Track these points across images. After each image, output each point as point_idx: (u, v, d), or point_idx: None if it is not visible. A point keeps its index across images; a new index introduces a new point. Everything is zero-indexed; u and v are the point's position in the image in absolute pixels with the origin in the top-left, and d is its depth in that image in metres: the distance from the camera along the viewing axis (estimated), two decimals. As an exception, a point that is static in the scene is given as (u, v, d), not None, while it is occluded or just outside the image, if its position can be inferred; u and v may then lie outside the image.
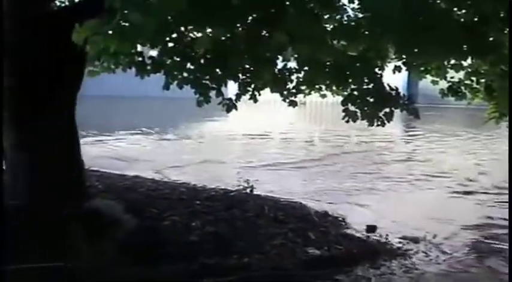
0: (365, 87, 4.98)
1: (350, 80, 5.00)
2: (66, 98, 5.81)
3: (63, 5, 6.99)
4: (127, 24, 3.21)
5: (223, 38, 4.62)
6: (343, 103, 5.03)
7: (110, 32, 3.23)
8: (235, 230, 5.96)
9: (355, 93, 5.01)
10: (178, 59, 4.28)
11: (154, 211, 6.30)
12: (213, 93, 5.11)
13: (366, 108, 4.95)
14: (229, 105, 5.42)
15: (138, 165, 10.73)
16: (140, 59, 4.76)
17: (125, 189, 7.58)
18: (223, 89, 5.19)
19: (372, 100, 4.95)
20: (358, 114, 5.00)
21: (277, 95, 5.83)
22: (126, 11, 3.19)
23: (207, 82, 4.71)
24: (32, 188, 5.70)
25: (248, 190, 7.52)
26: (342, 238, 6.19)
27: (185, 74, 4.60)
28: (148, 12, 3.11)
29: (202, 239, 5.63)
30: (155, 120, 19.35)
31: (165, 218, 6.09)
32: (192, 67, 4.50)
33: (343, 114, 5.04)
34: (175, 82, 4.62)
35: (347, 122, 5.10)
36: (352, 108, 5.04)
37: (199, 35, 4.43)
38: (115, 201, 6.14)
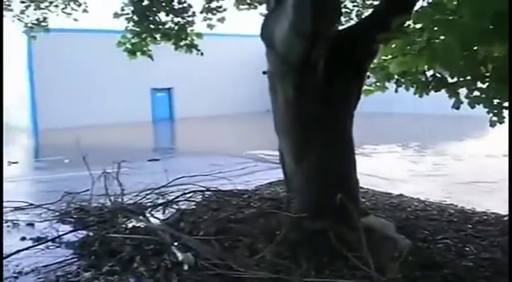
0: None
1: None
2: (345, 114, 5.91)
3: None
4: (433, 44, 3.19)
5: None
6: None
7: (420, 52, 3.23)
8: (514, 258, 5.56)
9: None
10: (469, 78, 4.14)
11: (426, 232, 6.19)
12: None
13: None
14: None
15: (396, 182, 10.63)
16: (423, 78, 4.74)
17: (393, 208, 7.58)
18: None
19: None
20: None
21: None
22: (434, 30, 3.16)
23: (500, 101, 4.47)
24: (308, 200, 5.91)
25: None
26: None
27: (476, 93, 4.44)
28: (454, 32, 3.06)
29: (478, 264, 5.38)
30: (407, 136, 19.04)
31: (438, 241, 5.94)
32: (483, 86, 4.32)
33: None
34: (467, 101, 4.49)
35: None
36: None
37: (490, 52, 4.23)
38: (387, 220, 6.20)
